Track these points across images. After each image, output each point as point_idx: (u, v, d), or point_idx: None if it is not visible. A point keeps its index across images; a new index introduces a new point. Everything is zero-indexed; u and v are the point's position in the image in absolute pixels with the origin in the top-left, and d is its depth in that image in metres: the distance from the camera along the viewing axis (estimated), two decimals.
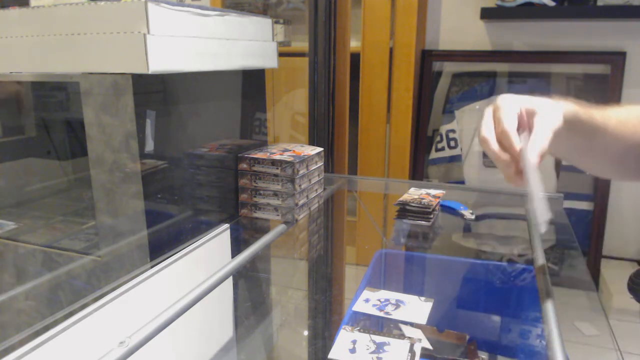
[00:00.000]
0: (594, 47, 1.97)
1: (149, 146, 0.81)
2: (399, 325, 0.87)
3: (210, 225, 0.96)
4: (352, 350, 0.74)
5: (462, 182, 2.13)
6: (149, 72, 0.73)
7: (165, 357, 0.78)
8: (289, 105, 2.35)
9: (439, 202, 1.23)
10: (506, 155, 0.60)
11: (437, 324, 1.10)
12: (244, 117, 1.11)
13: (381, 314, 0.86)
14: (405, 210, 1.19)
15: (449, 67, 2.18)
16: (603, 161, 0.73)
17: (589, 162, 0.77)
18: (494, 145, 0.61)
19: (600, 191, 1.98)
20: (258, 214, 1.06)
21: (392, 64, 2.06)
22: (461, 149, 2.13)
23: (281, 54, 1.15)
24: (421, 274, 1.33)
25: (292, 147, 1.12)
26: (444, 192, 1.27)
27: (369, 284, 1.00)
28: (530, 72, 2.07)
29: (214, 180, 1.00)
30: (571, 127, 0.64)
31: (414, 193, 1.26)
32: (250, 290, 1.19)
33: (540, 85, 2.04)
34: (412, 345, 0.76)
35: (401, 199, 1.21)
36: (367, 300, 0.91)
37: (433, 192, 1.27)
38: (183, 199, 0.92)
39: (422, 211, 1.17)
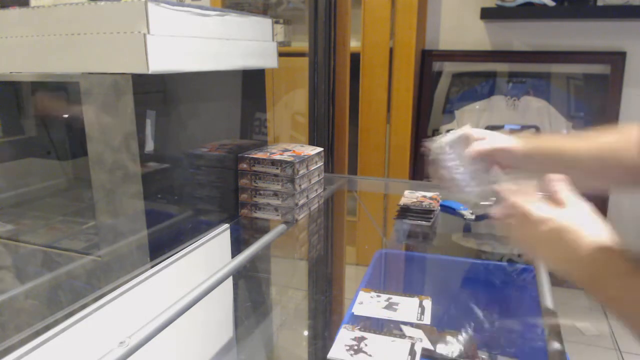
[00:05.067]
0: (594, 47, 1.97)
1: (149, 146, 0.81)
2: (399, 325, 0.87)
3: (210, 225, 0.96)
4: (352, 350, 0.74)
5: None
6: (149, 72, 0.73)
7: (165, 357, 0.78)
8: (289, 105, 2.34)
9: (439, 202, 1.23)
10: None
11: (437, 324, 1.10)
12: (244, 117, 1.11)
13: (381, 315, 0.86)
14: (405, 210, 1.19)
15: (449, 67, 2.18)
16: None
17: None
18: None
19: (600, 191, 1.98)
20: (258, 214, 1.06)
21: (392, 64, 2.06)
22: None
23: (281, 54, 1.15)
24: (421, 274, 1.33)
25: (292, 147, 1.12)
26: (439, 194, 1.27)
27: (369, 284, 1.00)
28: (530, 72, 2.07)
29: (214, 180, 1.00)
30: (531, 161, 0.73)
31: (410, 196, 1.25)
32: (250, 290, 1.19)
33: (540, 85, 2.04)
34: (412, 345, 0.76)
35: (401, 202, 1.21)
36: (366, 301, 0.91)
37: (429, 194, 1.27)
38: (183, 199, 0.92)
39: (423, 211, 1.17)
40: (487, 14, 1.96)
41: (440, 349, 1.05)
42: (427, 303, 0.90)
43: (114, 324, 0.64)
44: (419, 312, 0.87)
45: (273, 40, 1.11)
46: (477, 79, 2.13)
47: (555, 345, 0.65)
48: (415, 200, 1.22)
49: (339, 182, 1.46)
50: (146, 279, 0.72)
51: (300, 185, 1.03)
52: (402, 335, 0.79)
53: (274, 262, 1.24)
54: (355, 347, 0.75)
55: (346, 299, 1.36)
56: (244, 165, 1.04)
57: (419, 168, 2.21)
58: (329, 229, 1.37)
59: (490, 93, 2.10)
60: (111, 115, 0.78)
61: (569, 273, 0.58)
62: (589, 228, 0.58)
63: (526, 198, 0.63)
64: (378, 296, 0.92)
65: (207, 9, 0.87)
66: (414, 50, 2.02)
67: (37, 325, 0.65)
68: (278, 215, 1.04)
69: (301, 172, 1.03)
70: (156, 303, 0.69)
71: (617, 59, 1.93)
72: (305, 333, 1.18)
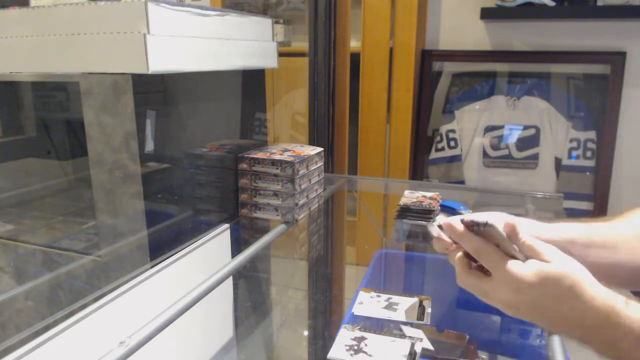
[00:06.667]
0: (594, 47, 1.96)
1: (149, 146, 0.81)
2: (399, 325, 0.87)
3: (210, 225, 0.96)
4: (352, 350, 0.74)
5: (462, 182, 2.13)
6: (149, 72, 0.73)
7: (166, 357, 0.78)
8: (289, 105, 2.34)
9: (439, 202, 1.22)
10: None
11: (437, 324, 1.10)
12: (244, 117, 1.11)
13: (381, 315, 0.86)
14: (405, 210, 1.19)
15: (449, 67, 2.18)
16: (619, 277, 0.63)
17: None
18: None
19: (600, 191, 1.98)
20: (258, 214, 1.06)
21: (392, 64, 2.06)
22: (461, 149, 2.13)
23: (281, 54, 1.15)
24: (421, 274, 1.33)
25: (292, 147, 1.12)
26: (439, 194, 1.27)
27: (369, 284, 1.00)
28: (530, 72, 2.07)
29: (214, 180, 1.00)
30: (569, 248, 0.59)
31: (410, 196, 1.25)
32: (250, 290, 1.19)
33: (540, 85, 2.04)
34: (412, 345, 0.76)
35: (401, 202, 1.21)
36: (366, 301, 0.91)
37: (429, 194, 1.27)
38: (183, 199, 0.92)
39: (423, 211, 1.17)
40: (487, 14, 1.96)
41: (440, 349, 1.05)
42: (427, 303, 0.90)
43: (114, 324, 0.64)
44: (419, 312, 0.87)
45: (273, 40, 1.11)
46: (477, 79, 2.13)
47: (555, 345, 0.65)
48: (415, 200, 1.22)
49: (339, 182, 1.46)
50: (146, 279, 0.72)
51: (300, 185, 1.03)
52: (402, 335, 0.79)
53: (274, 262, 1.24)
54: (355, 347, 0.75)
55: (346, 299, 1.36)
56: (244, 165, 1.04)
57: (419, 168, 2.21)
58: (329, 229, 1.37)
59: (490, 93, 2.10)
60: (111, 115, 0.78)
61: (582, 339, 0.51)
62: (593, 283, 0.50)
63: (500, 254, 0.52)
64: (378, 296, 0.92)
65: (207, 9, 0.87)
66: (414, 50, 2.02)
67: (37, 325, 0.65)
68: (278, 215, 1.04)
69: (301, 172, 1.03)
70: (156, 303, 0.69)
71: (617, 59, 1.93)
72: (305, 333, 1.18)
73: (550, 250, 0.53)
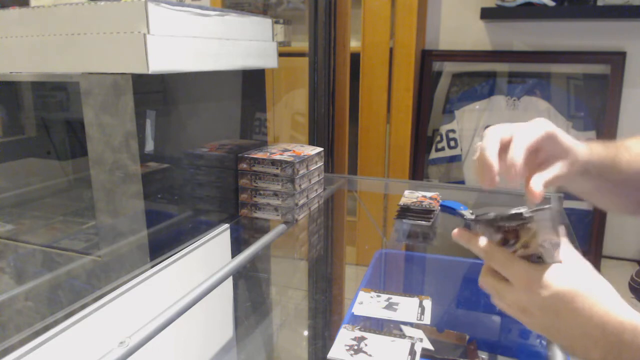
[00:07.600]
0: (594, 47, 1.97)
1: (149, 146, 0.81)
2: (399, 325, 0.87)
3: (210, 225, 0.96)
4: (352, 350, 0.74)
5: (462, 182, 2.13)
6: (149, 72, 0.73)
7: (166, 357, 0.78)
8: (289, 105, 2.34)
9: (439, 202, 1.22)
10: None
11: (437, 324, 1.10)
12: (244, 117, 1.11)
13: (381, 314, 0.86)
14: (405, 210, 1.19)
15: (449, 67, 2.18)
16: (627, 201, 0.64)
17: (612, 202, 0.68)
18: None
19: None
20: (258, 214, 1.06)
21: (392, 64, 2.06)
22: (461, 149, 2.13)
23: (281, 54, 1.15)
24: (421, 274, 1.33)
25: (292, 147, 1.12)
26: (439, 194, 1.27)
27: (369, 284, 1.00)
28: (530, 72, 2.07)
29: (214, 180, 1.00)
30: (585, 170, 0.59)
31: (410, 196, 1.25)
32: (250, 290, 1.19)
33: (540, 85, 2.04)
34: (412, 345, 0.76)
35: (401, 202, 1.21)
36: (366, 301, 0.91)
37: (428, 194, 1.27)
38: (183, 199, 0.92)
39: (423, 211, 1.17)
40: (487, 14, 1.96)
41: (440, 349, 1.05)
42: (427, 303, 0.90)
43: (114, 324, 0.64)
44: (419, 312, 0.87)
45: (273, 40, 1.11)
46: (477, 79, 2.13)
47: (556, 345, 0.65)
48: (415, 200, 1.22)
49: (339, 182, 1.46)
50: (146, 279, 0.72)
51: (300, 185, 1.03)
52: (402, 335, 0.79)
53: (274, 262, 1.24)
54: (355, 347, 0.75)
55: (346, 299, 1.36)
56: (244, 165, 1.04)
57: (419, 168, 2.21)
58: (329, 229, 1.37)
59: (490, 93, 2.10)
60: (111, 115, 0.78)
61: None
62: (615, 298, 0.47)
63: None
64: (378, 296, 0.92)
65: (207, 9, 0.87)
66: (414, 50, 2.02)
67: (37, 325, 0.65)
68: (278, 215, 1.04)
69: (301, 172, 1.03)
70: (156, 303, 0.69)
71: (617, 59, 1.93)
72: (305, 333, 1.18)
73: (571, 256, 0.50)
